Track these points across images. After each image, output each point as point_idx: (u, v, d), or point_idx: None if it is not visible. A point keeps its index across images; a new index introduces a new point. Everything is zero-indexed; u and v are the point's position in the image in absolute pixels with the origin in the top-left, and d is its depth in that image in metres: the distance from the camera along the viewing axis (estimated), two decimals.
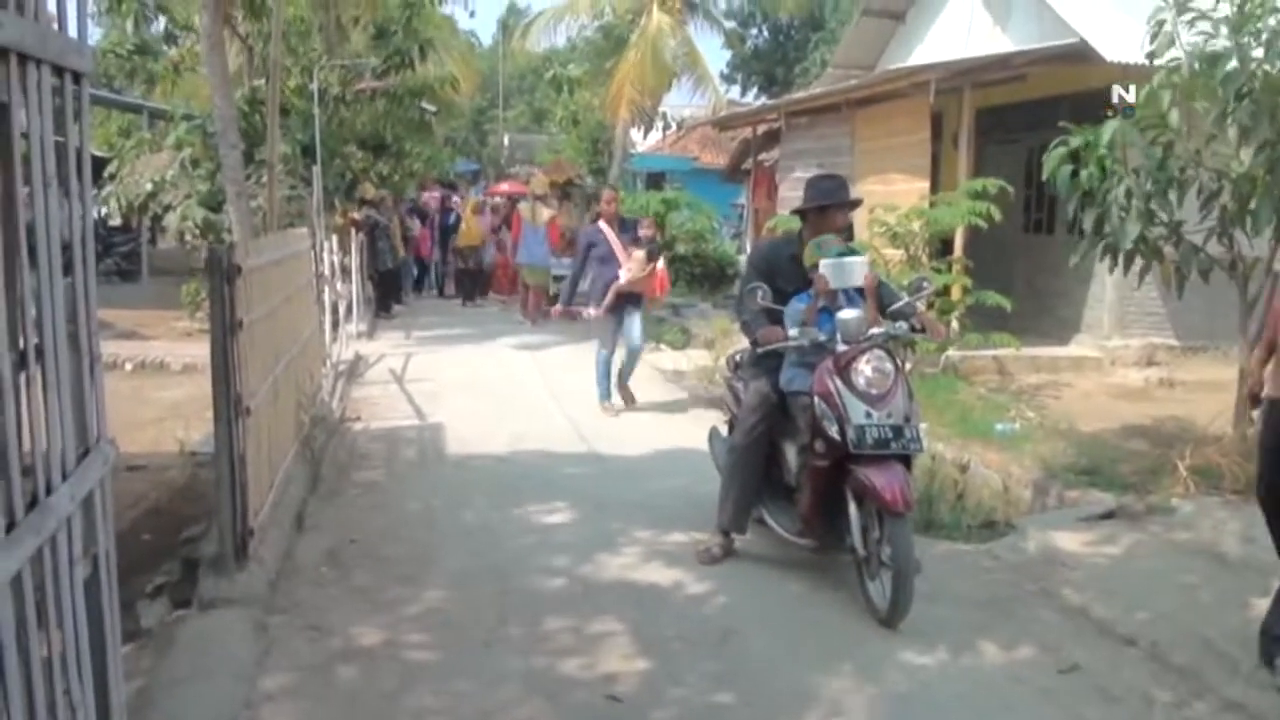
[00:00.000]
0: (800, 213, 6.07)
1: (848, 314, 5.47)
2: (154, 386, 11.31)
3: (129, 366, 12.13)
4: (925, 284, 5.79)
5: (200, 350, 12.16)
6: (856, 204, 6.25)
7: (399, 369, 12.74)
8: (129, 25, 17.49)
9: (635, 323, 10.29)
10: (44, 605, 2.57)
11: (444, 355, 14.11)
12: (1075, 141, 7.52)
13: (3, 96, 2.43)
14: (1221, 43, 7.02)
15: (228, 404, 5.22)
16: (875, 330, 5.48)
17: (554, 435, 9.26)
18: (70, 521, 2.74)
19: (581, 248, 10.63)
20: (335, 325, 13.10)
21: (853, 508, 5.32)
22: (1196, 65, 7.14)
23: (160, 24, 18.51)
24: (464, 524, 6.76)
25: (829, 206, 5.83)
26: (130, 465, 7.29)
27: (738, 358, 6.91)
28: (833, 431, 5.23)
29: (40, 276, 2.63)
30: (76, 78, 2.95)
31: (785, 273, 5.87)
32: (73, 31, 2.98)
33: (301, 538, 6.35)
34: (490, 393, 11.38)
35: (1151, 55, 7.42)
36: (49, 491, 2.61)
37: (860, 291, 5.71)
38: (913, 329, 5.72)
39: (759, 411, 5.91)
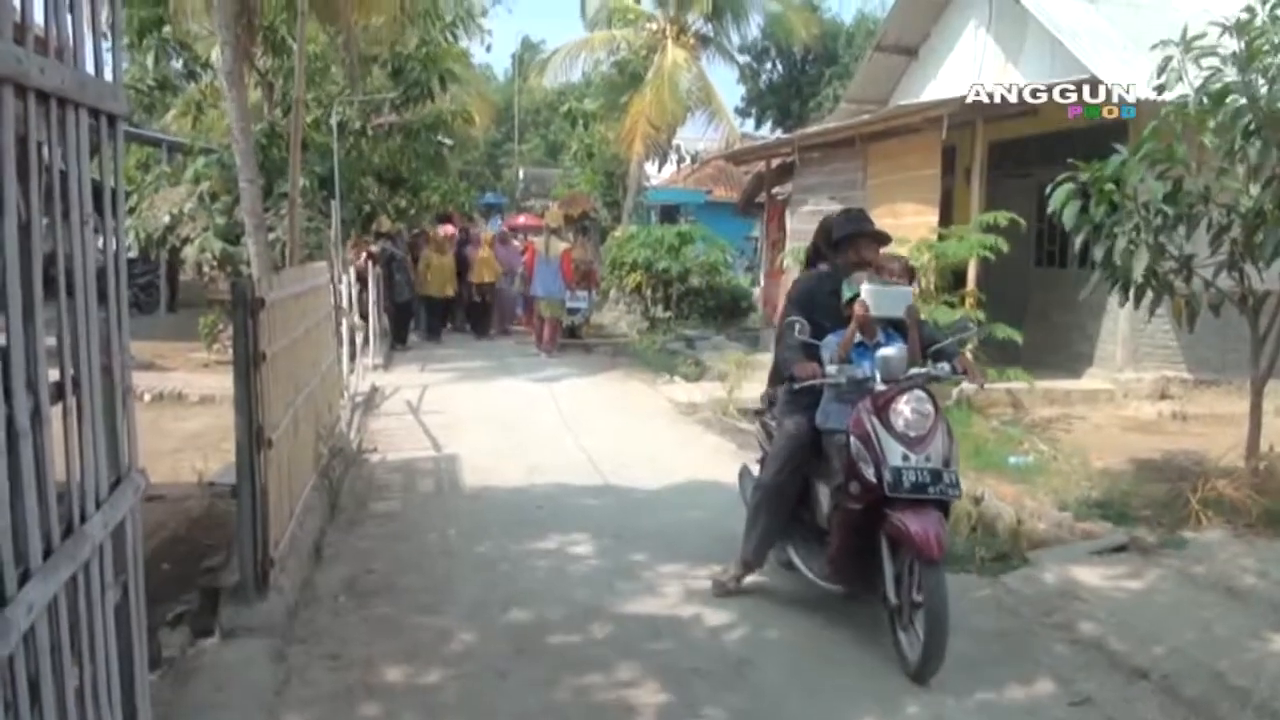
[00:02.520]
0: (831, 247, 5.91)
1: (889, 351, 5.31)
2: (171, 418, 11.40)
3: (147, 397, 12.20)
4: (969, 325, 5.62)
5: (217, 381, 12.37)
6: (882, 238, 5.92)
7: (415, 401, 12.81)
8: (149, 61, 17.72)
9: None
10: (77, 631, 2.64)
11: (459, 387, 14.21)
12: (1084, 176, 7.57)
13: (41, 138, 2.53)
14: (1229, 77, 7.09)
15: (249, 435, 5.28)
16: (916, 370, 5.32)
17: (569, 467, 9.30)
18: (103, 549, 2.82)
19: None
20: (352, 357, 13.19)
21: (886, 553, 5.14)
22: (1204, 100, 7.21)
23: (180, 61, 18.75)
24: (481, 555, 6.81)
25: (849, 241, 5.73)
26: (149, 495, 7.35)
27: (772, 394, 6.57)
28: (868, 473, 5.05)
29: (76, 310, 2.72)
30: (111, 120, 3.05)
31: (825, 308, 5.67)
32: (108, 76, 3.09)
33: (320, 568, 6.42)
34: (506, 424, 11.44)
35: (1160, 90, 7.49)
36: (83, 519, 2.68)
37: (899, 329, 5.56)
38: (954, 371, 5.48)
39: (790, 449, 5.75)
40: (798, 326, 5.49)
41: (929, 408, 5.13)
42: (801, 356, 5.50)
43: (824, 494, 5.66)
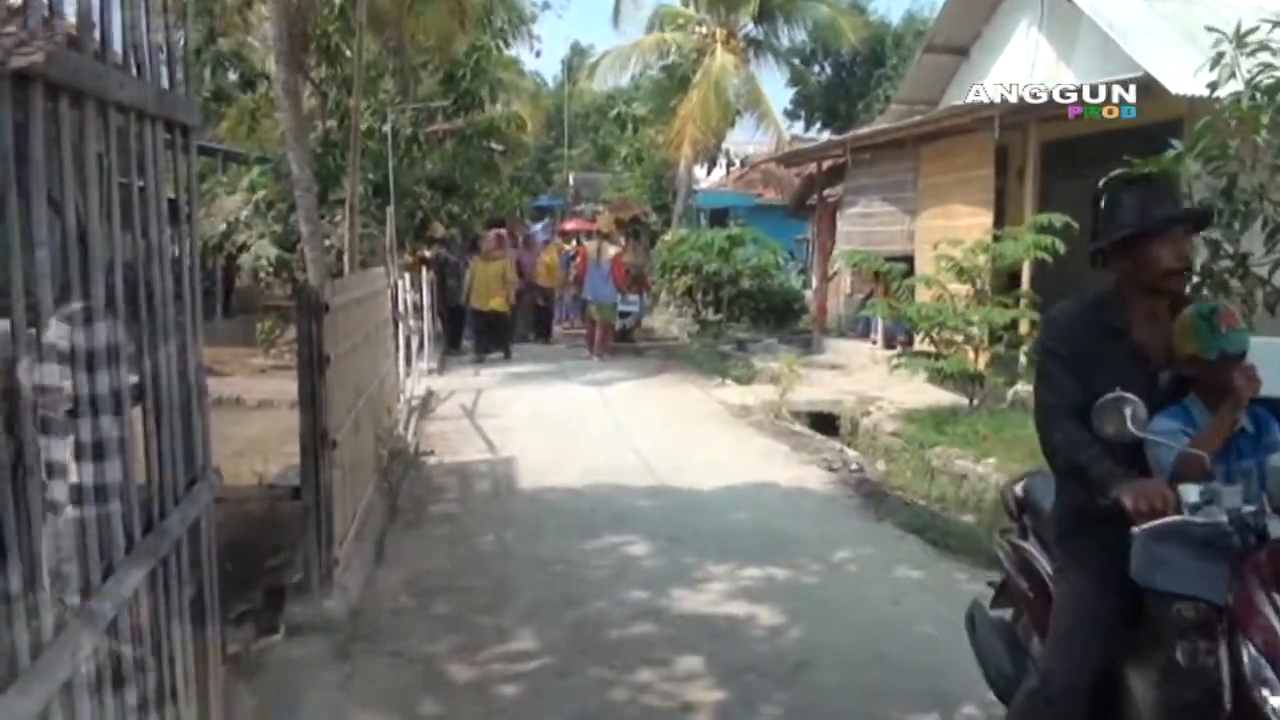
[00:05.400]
0: (1102, 250, 3.59)
1: None
2: (230, 422, 11.54)
3: None
4: None
5: (275, 386, 12.55)
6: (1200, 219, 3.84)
7: (470, 404, 12.94)
8: (205, 73, 18.01)
9: None
10: (156, 622, 2.75)
11: (513, 391, 14.31)
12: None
13: (121, 150, 2.64)
14: None
15: (314, 436, 5.39)
16: None
17: (623, 468, 9.36)
18: (180, 545, 2.93)
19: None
20: (408, 361, 13.34)
21: None
22: (1257, 96, 7.14)
23: (235, 72, 19.05)
24: (538, 556, 6.89)
25: (1149, 238, 3.30)
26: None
27: (1019, 491, 4.12)
28: (1271, 710, 2.57)
29: (155, 316, 2.83)
30: (185, 131, 3.17)
31: (1104, 359, 3.21)
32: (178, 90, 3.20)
33: (382, 567, 6.53)
34: (560, 427, 11.53)
35: (1213, 87, 7.43)
36: (163, 516, 2.79)
37: (1269, 406, 3.19)
38: None
39: (1090, 630, 3.23)
40: (1128, 410, 2.95)
41: None
42: (1110, 462, 3.06)
43: (1142, 694, 3.10)
